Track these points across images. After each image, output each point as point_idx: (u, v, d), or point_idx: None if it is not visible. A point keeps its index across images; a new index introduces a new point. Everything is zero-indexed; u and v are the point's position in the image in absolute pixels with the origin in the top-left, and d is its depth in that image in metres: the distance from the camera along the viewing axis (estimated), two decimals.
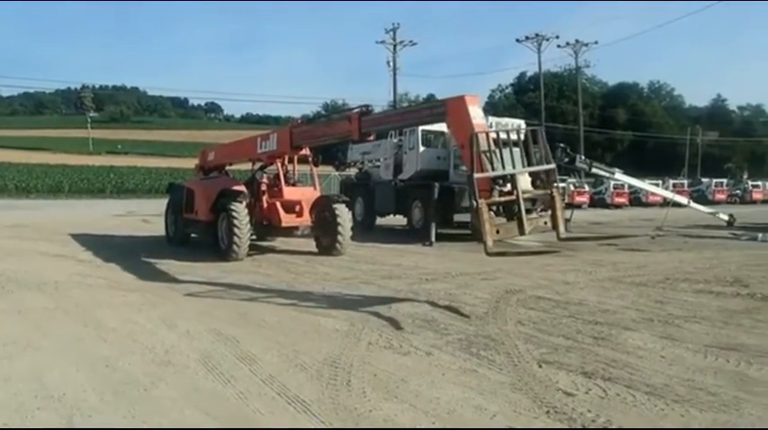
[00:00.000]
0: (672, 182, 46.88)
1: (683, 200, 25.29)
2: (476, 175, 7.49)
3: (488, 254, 7.59)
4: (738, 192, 53.90)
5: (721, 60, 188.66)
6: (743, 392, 4.96)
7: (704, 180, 55.66)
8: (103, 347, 6.29)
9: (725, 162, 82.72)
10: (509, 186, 7.82)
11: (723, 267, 12.11)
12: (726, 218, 23.16)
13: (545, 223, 8.14)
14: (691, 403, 4.72)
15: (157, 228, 17.17)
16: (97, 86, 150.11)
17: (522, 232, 7.77)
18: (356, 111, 10.65)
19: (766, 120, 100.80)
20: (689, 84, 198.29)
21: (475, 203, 7.41)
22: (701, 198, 41.28)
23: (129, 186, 52.73)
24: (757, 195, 51.28)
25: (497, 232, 7.60)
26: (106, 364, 5.68)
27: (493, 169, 7.72)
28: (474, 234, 7.92)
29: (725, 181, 55.82)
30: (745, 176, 62.51)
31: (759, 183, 56.22)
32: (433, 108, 9.46)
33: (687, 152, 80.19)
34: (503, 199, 7.78)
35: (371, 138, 12.31)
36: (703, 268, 11.96)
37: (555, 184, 8.19)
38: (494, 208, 7.74)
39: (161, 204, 17.86)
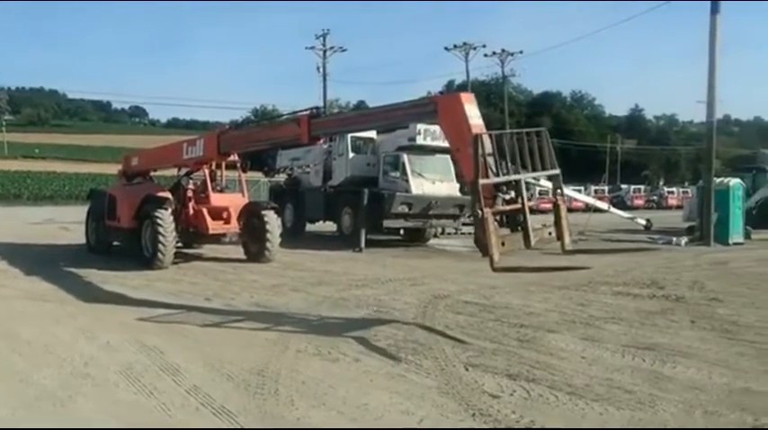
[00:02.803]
0: (593, 188, 48.97)
1: (603, 205, 26.35)
2: (481, 181, 6.74)
3: (495, 269, 6.79)
4: (655, 197, 56.95)
5: (638, 72, 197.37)
6: (657, 390, 5.18)
7: (623, 186, 58.34)
8: (17, 361, 6.02)
9: (642, 169, 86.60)
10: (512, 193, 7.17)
11: (641, 270, 12.62)
12: (643, 222, 24.27)
13: (549, 234, 7.51)
14: (609, 402, 4.90)
15: (78, 236, 16.54)
16: (13, 88, 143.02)
17: (528, 244, 7.11)
18: (305, 113, 10.16)
19: (679, 130, 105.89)
20: (609, 94, 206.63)
21: (480, 213, 6.67)
22: (620, 203, 43.37)
23: (48, 193, 50.77)
24: (672, 201, 54.11)
25: (503, 244, 6.86)
26: (20, 379, 5.43)
27: (496, 175, 7.02)
28: (477, 246, 7.09)
29: (642, 187, 58.69)
30: (662, 183, 65.85)
31: (674, 189, 59.53)
32: (416, 107, 8.56)
33: (608, 159, 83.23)
34: (509, 208, 7.15)
35: (321, 142, 12.01)
36: (622, 271, 12.42)
37: (560, 192, 7.70)
38: (497, 217, 7.03)
39: (81, 211, 17.20)
